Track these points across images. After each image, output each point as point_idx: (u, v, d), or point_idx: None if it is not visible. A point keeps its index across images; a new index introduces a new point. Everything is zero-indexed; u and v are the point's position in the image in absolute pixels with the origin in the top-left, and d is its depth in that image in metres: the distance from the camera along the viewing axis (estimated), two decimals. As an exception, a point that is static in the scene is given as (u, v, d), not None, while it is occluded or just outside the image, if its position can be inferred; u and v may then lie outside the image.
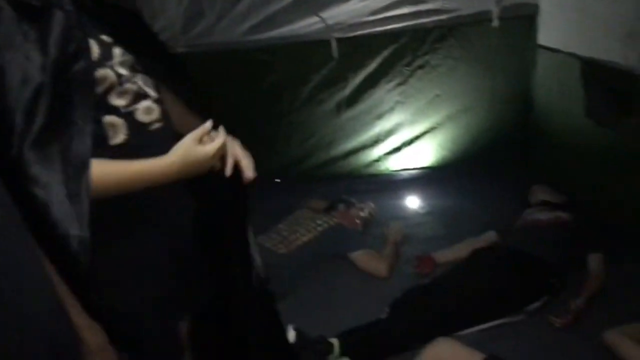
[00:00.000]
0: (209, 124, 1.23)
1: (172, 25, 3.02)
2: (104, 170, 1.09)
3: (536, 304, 2.36)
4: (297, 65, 3.37)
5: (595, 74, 2.79)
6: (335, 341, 2.08)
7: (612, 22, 2.60)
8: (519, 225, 2.82)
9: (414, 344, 2.07)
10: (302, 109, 3.50)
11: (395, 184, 3.77)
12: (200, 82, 3.18)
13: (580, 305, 2.29)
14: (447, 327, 2.19)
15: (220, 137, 1.27)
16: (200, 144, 1.21)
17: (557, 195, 3.03)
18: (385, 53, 3.39)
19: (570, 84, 3.06)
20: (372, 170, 3.83)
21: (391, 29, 3.29)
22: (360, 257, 2.81)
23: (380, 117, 3.64)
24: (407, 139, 3.75)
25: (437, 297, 2.33)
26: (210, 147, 1.22)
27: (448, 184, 3.63)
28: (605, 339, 2.12)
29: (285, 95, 3.46)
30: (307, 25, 3.10)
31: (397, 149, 3.79)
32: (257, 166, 3.79)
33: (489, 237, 2.83)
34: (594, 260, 2.52)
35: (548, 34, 3.34)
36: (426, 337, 2.01)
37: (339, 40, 3.24)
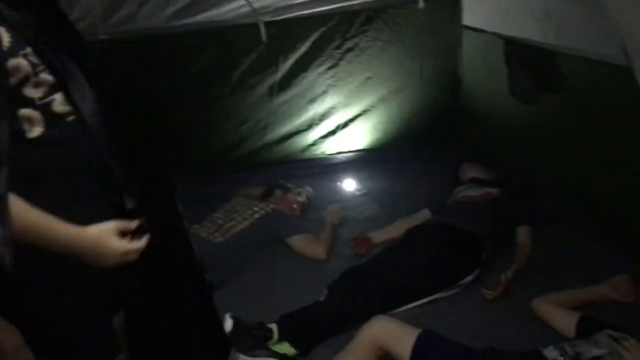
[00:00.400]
0: (134, 224, 1.20)
1: (91, 12, 2.88)
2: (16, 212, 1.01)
3: (469, 278, 2.43)
4: (225, 50, 3.31)
5: (517, 52, 2.89)
6: (274, 326, 2.07)
7: (530, 1, 2.69)
8: (451, 202, 2.90)
9: (353, 324, 2.09)
10: (233, 94, 3.44)
11: (331, 167, 3.80)
12: (125, 70, 3.13)
13: (509, 277, 2.38)
14: (384, 305, 2.22)
15: (141, 242, 1.22)
16: (118, 237, 1.17)
17: (486, 171, 3.12)
18: (315, 36, 3.39)
19: (495, 63, 3.16)
20: (308, 154, 3.83)
21: (319, 12, 3.28)
22: (298, 241, 2.81)
23: (313, 100, 3.64)
24: (341, 122, 3.78)
25: (374, 276, 2.36)
26: (124, 247, 1.18)
27: (383, 165, 3.68)
28: (534, 307, 2.22)
29: (215, 80, 3.39)
30: (233, 9, 3.03)
31: (331, 132, 3.81)
32: (191, 153, 3.74)
33: (423, 215, 2.89)
34: (522, 233, 2.62)
35: (472, 14, 3.43)
36: (364, 317, 2.03)
37: (267, 23, 3.21)
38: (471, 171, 3.12)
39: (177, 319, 1.50)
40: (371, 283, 2.30)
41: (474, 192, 2.88)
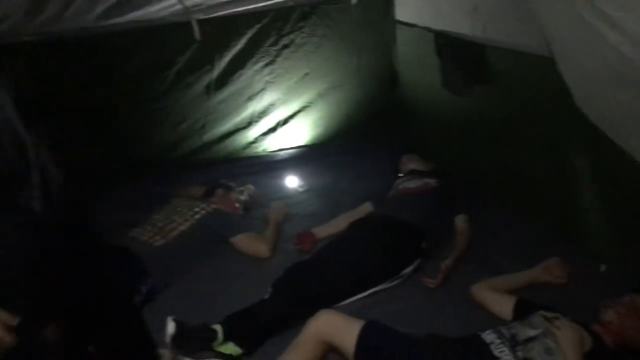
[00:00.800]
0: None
1: (14, 13, 2.74)
2: None
3: (410, 268, 2.49)
4: (158, 49, 3.24)
5: (447, 46, 2.96)
6: (218, 327, 2.05)
7: (459, -4, 2.76)
8: (392, 194, 2.95)
9: (298, 320, 2.10)
10: (169, 94, 3.37)
11: (273, 164, 3.79)
12: (52, 73, 3.01)
13: (449, 265, 2.45)
14: (329, 300, 2.24)
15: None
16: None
17: (424, 163, 3.19)
18: (250, 33, 3.36)
19: (428, 57, 3.22)
20: (249, 152, 3.81)
21: (253, 9, 3.25)
22: (241, 240, 2.78)
23: (251, 98, 3.62)
24: (281, 118, 3.78)
25: (318, 271, 2.37)
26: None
27: (325, 160, 3.70)
28: (472, 293, 2.29)
29: (149, 80, 3.31)
30: (165, 7, 2.96)
31: (272, 129, 3.80)
32: (129, 156, 3.62)
33: (365, 208, 2.93)
34: (460, 221, 2.70)
35: (404, 9, 3.49)
36: (309, 312, 2.04)
37: (200, 21, 3.15)
38: (410, 163, 3.18)
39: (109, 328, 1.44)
40: (315, 278, 2.31)
41: (414, 183, 2.94)
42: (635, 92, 1.51)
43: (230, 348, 2.03)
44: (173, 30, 3.17)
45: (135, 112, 3.40)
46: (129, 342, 1.47)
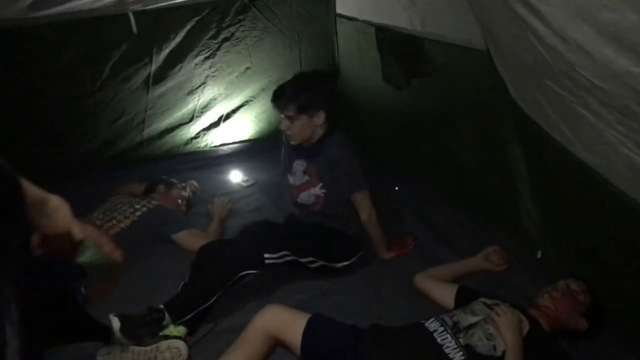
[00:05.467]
0: None
1: None
2: None
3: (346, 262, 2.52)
4: (93, 42, 3.10)
5: (387, 39, 2.99)
6: (163, 307, 2.08)
7: (397, -11, 2.79)
8: None
9: (219, 289, 2.18)
10: (105, 88, 3.25)
11: (216, 159, 3.75)
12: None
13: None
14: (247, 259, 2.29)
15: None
16: None
17: None
18: (189, 26, 3.28)
19: (369, 51, 3.25)
20: (191, 147, 3.75)
21: (191, 1, 3.18)
22: (184, 237, 2.74)
23: (192, 92, 3.55)
24: (224, 113, 3.73)
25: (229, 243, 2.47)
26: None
27: (268, 155, 3.66)
28: (416, 283, 2.34)
29: (83, 74, 3.18)
30: (98, -1, 2.85)
31: (214, 124, 3.75)
32: (64, 153, 3.47)
33: None
34: (358, 199, 2.54)
35: (344, 3, 3.50)
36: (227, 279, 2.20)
37: (136, 14, 3.06)
38: None
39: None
40: (227, 248, 2.34)
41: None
42: (566, 83, 1.56)
43: (175, 330, 2.04)
44: (108, 23, 3.05)
45: (70, 108, 3.26)
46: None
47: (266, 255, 2.28)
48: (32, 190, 1.25)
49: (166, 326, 2.06)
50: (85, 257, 1.64)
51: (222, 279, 2.20)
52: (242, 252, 2.28)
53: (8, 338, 0.96)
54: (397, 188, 3.22)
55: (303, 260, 2.39)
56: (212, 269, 2.23)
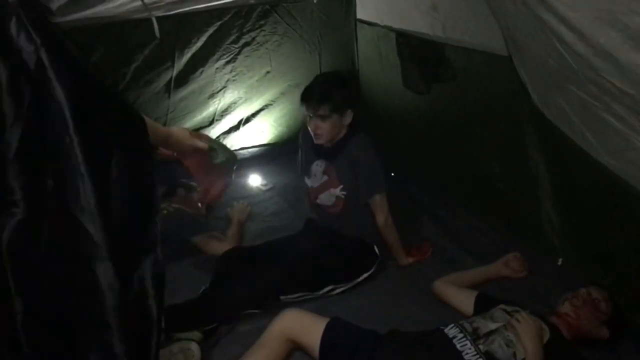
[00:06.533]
0: None
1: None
2: None
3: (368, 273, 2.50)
4: (116, 46, 3.14)
5: (408, 45, 2.99)
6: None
7: (418, -5, 2.79)
8: None
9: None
10: (128, 91, 3.28)
11: (235, 163, 3.76)
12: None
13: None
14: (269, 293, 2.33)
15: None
16: None
17: None
18: (210, 31, 3.31)
19: (389, 56, 3.25)
20: (211, 151, 3.76)
21: (213, 6, 3.20)
22: (204, 240, 2.76)
23: (213, 96, 3.57)
24: (244, 117, 3.74)
25: (258, 260, 2.43)
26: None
27: (287, 159, 3.67)
28: (434, 289, 2.33)
29: (107, 78, 3.22)
30: (123, 3, 2.86)
31: (234, 128, 3.76)
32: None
33: None
34: (375, 202, 2.53)
35: (365, 8, 3.51)
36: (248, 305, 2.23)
37: (159, 18, 3.09)
38: None
39: None
40: (244, 283, 2.30)
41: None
42: (590, 89, 1.55)
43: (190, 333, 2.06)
44: (131, 27, 3.09)
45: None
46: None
47: (282, 297, 2.32)
48: (157, 127, 1.63)
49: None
50: (220, 157, 2.08)
51: (234, 310, 2.24)
52: (256, 293, 2.27)
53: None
54: (392, 174, 3.17)
55: (321, 292, 2.38)
56: (228, 299, 2.24)
